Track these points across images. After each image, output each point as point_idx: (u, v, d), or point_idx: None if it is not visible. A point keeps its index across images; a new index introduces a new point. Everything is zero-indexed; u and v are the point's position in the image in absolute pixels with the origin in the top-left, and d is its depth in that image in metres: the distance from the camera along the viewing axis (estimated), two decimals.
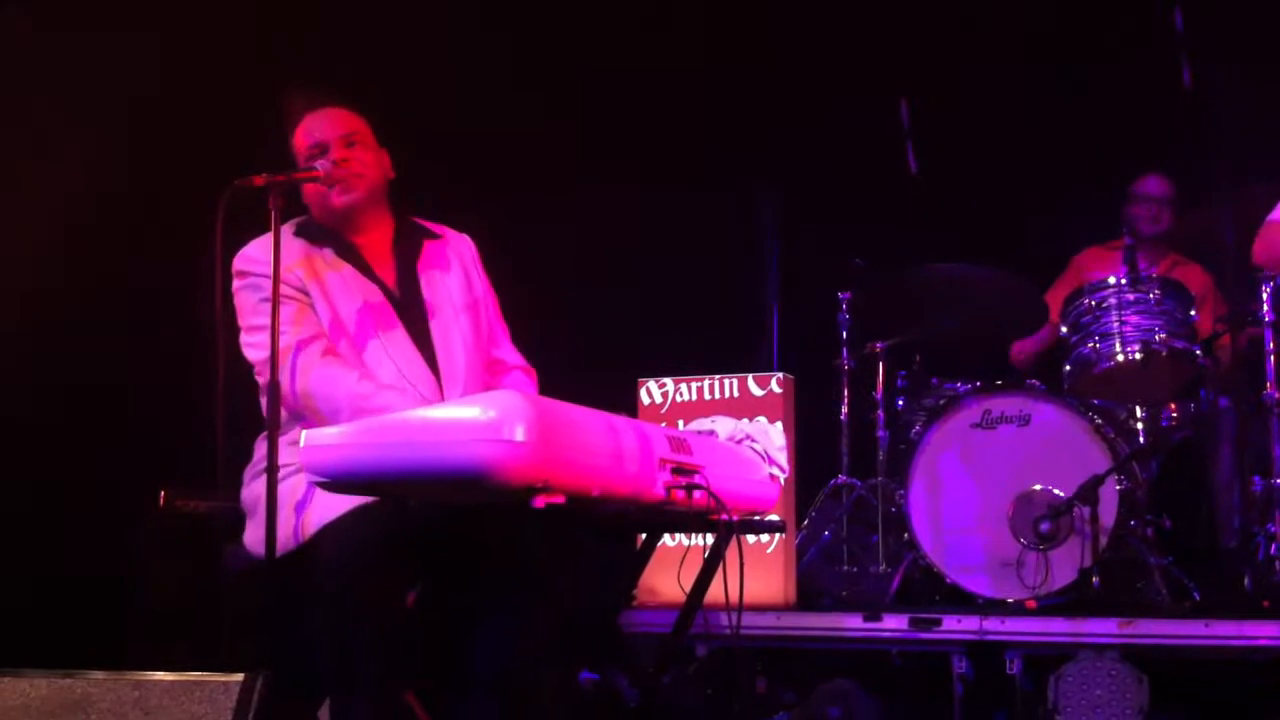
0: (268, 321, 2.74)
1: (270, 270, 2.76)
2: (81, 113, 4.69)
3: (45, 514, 4.69)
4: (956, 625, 3.89)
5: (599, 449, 2.53)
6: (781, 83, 5.53)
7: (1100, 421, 4.29)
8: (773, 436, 4.26)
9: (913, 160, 5.79)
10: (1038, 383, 4.46)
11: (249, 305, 2.96)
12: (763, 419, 4.27)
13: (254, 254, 2.97)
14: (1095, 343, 4.42)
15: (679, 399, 4.35)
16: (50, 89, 4.70)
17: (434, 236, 3.21)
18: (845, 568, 4.68)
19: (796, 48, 5.50)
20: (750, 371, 4.32)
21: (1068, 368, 4.51)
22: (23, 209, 4.63)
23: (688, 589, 3.10)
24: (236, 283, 2.97)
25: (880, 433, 4.82)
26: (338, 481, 2.51)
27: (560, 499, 2.42)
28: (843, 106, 5.55)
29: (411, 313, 3.05)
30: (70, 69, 4.70)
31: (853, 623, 4.02)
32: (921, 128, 5.81)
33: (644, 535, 3.34)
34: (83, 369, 4.78)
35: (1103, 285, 4.48)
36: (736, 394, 4.30)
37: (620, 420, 2.67)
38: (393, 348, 2.99)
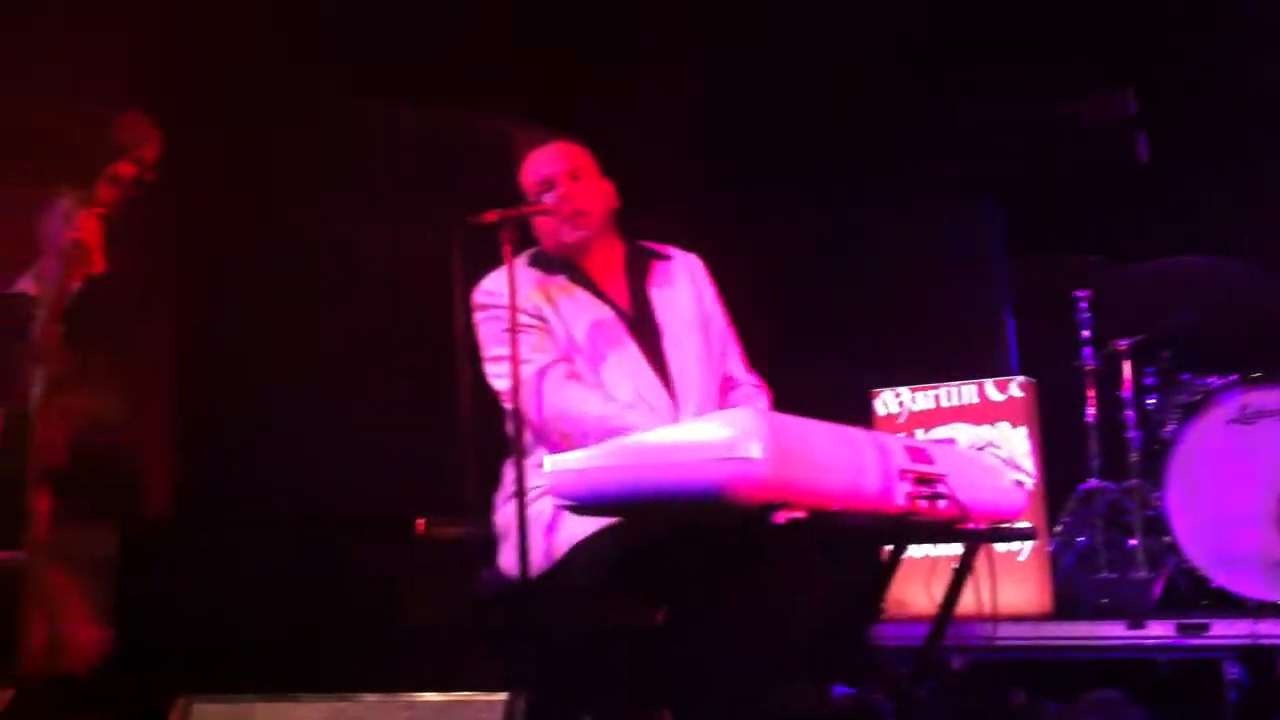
0: (509, 351, 2.83)
1: (507, 301, 2.85)
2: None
3: (308, 542, 4.93)
4: (1227, 630, 3.73)
5: (837, 463, 2.51)
6: (1002, 75, 5.40)
7: None
8: (1016, 442, 4.17)
9: (1144, 149, 5.58)
10: None
11: (490, 336, 3.05)
12: (1005, 424, 4.18)
13: (491, 286, 3.06)
14: None
15: (915, 408, 4.29)
16: None
17: (663, 257, 3.26)
18: (1104, 574, 4.52)
19: (1016, 37, 5.37)
20: (987, 376, 4.22)
21: None
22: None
23: (938, 600, 3.04)
24: (477, 315, 3.07)
25: (1131, 433, 4.64)
26: (582, 504, 2.56)
27: (801, 514, 2.41)
28: (1066, 97, 5.39)
29: (644, 331, 3.10)
30: None
31: (1115, 631, 3.90)
32: (1151, 115, 5.60)
33: (890, 548, 3.29)
34: (340, 399, 5.02)
35: None
36: (975, 400, 4.21)
37: (857, 432, 2.64)
38: (627, 366, 3.04)
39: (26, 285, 4.27)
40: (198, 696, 2.52)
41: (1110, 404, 4.75)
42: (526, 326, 2.97)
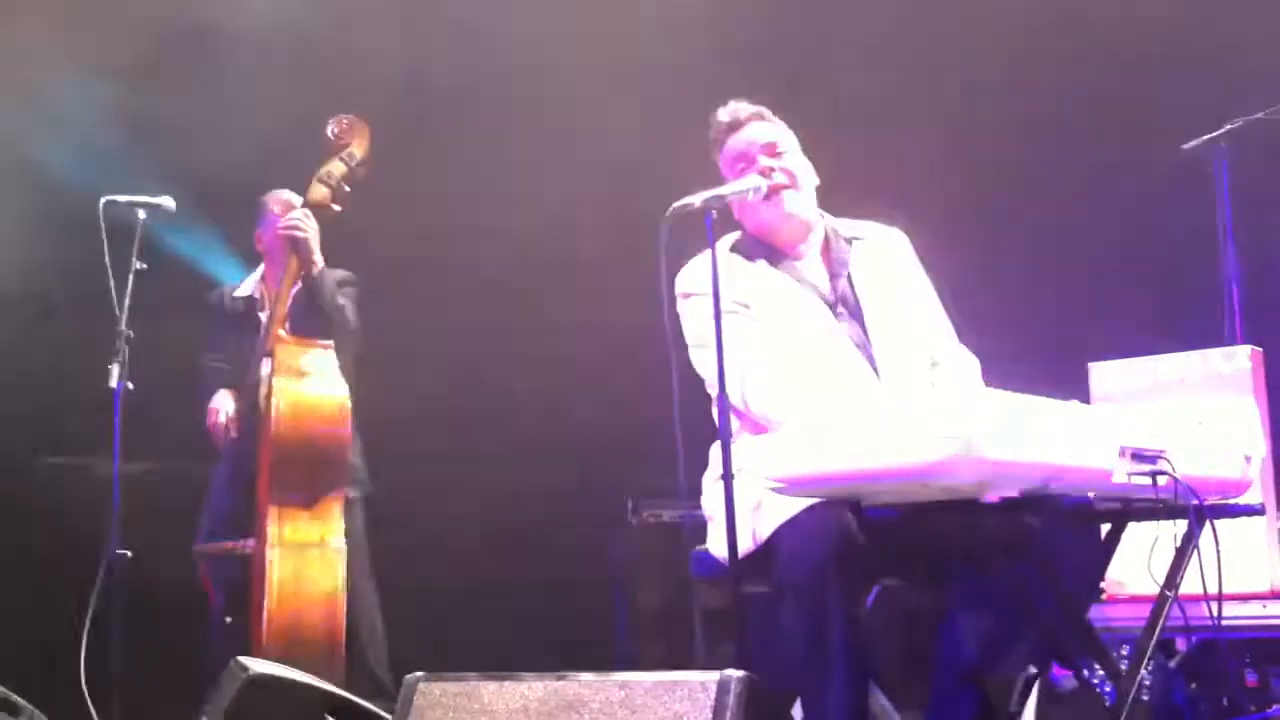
0: (713, 339, 2.85)
1: (711, 289, 2.87)
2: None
3: (532, 526, 5.09)
4: None
5: (1052, 439, 2.45)
6: (1226, 21, 5.14)
7: None
8: (1243, 414, 3.99)
9: None
10: None
11: (694, 324, 3.08)
12: (1231, 396, 4.01)
13: (693, 274, 3.10)
14: None
15: (1134, 381, 4.15)
16: None
17: (864, 236, 3.23)
18: None
19: None
20: (1211, 346, 4.06)
21: None
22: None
23: (1160, 580, 2.95)
24: (681, 303, 3.11)
25: None
26: (790, 485, 2.57)
27: (1014, 493, 2.38)
28: None
29: (847, 312, 3.10)
30: None
31: None
32: None
33: (1108, 526, 3.21)
34: (556, 393, 5.15)
35: None
36: (1199, 372, 4.05)
37: (1073, 407, 2.58)
38: (831, 348, 3.04)
39: (251, 288, 4.51)
40: (426, 675, 2.62)
41: None
42: (728, 313, 2.98)
